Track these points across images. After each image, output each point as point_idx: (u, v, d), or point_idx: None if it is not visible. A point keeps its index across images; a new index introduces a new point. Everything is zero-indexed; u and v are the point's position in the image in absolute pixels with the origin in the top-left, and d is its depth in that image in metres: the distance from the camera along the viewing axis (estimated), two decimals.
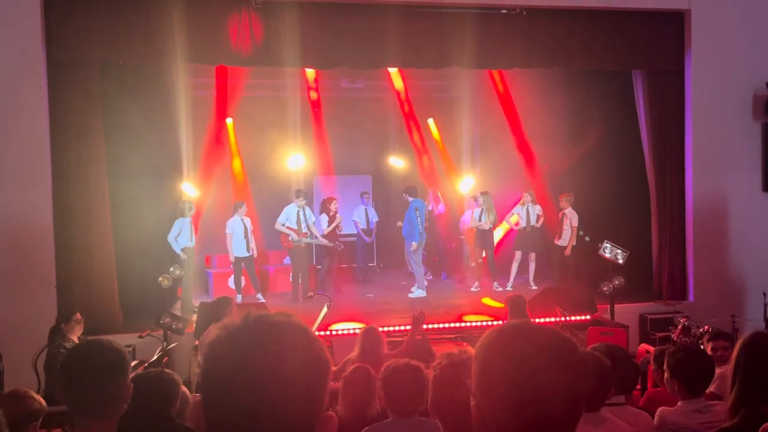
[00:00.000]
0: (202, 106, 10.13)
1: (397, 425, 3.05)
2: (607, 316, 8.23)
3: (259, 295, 9.70)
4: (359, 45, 8.22)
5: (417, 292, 9.99)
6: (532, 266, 10.28)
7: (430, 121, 12.32)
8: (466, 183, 11.81)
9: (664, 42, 8.93)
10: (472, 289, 10.32)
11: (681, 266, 9.21)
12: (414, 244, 9.92)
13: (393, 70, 10.81)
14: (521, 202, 10.42)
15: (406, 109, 11.67)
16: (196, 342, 6.88)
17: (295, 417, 1.11)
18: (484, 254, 10.49)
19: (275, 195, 11.14)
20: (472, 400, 1.27)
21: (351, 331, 7.57)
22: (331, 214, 10.60)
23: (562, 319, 7.61)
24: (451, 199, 11.97)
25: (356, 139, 12.29)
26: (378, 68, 9.84)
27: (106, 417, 2.05)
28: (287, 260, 10.76)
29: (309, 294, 9.70)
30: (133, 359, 6.07)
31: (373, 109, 12.36)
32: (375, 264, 12.60)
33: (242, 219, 9.59)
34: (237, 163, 11.34)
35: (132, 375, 2.40)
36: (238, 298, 9.31)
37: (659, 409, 3.38)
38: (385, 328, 7.29)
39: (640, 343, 7.48)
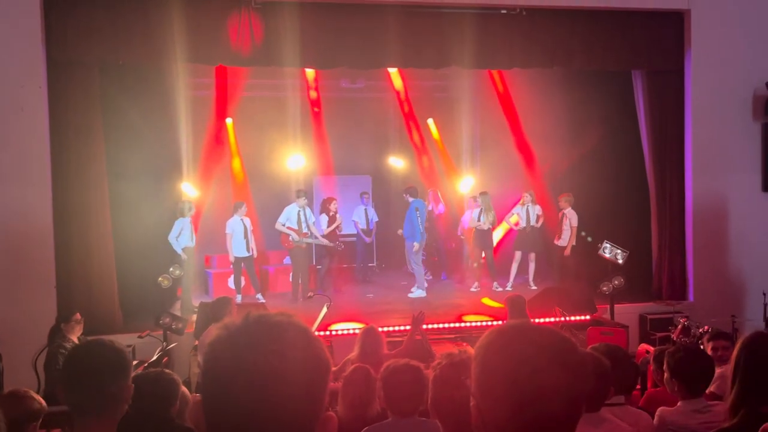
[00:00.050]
0: (202, 106, 10.13)
1: (396, 425, 3.04)
2: (607, 316, 8.23)
3: (259, 295, 9.69)
4: (359, 45, 8.22)
5: (417, 292, 9.98)
6: (531, 266, 10.28)
7: (430, 121, 12.32)
8: (466, 183, 11.82)
9: (664, 42, 8.93)
10: (472, 290, 10.32)
11: (681, 266, 9.21)
12: (416, 245, 9.92)
13: (393, 70, 10.80)
14: (521, 202, 10.41)
15: (406, 109, 11.66)
16: (196, 342, 6.87)
17: (295, 417, 1.11)
18: (483, 254, 10.49)
19: (275, 195, 11.14)
20: (471, 401, 1.27)
21: (351, 331, 7.56)
22: (331, 214, 10.60)
23: (562, 319, 7.61)
24: (451, 199, 11.97)
25: (356, 139, 12.29)
26: (378, 68, 9.84)
27: (106, 417, 2.05)
28: (287, 260, 10.77)
29: (309, 294, 9.69)
30: (133, 359, 6.06)
31: (373, 109, 12.36)
32: (375, 264, 12.61)
33: (242, 219, 9.59)
34: (237, 163, 11.35)
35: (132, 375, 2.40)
36: (238, 298, 9.31)
37: (659, 409, 3.38)
38: (385, 328, 7.28)
39: (640, 343, 7.48)
